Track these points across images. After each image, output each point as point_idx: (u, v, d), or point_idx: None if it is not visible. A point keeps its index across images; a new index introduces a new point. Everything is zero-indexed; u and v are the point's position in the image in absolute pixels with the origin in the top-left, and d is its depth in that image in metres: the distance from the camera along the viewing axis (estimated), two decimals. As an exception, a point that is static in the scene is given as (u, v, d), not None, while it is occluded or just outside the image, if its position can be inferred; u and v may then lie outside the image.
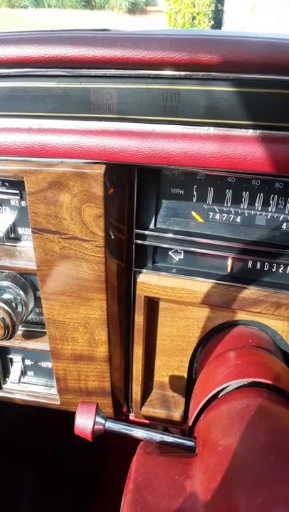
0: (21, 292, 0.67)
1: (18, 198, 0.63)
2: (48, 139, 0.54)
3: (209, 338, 0.67)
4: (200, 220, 0.62)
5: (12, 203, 0.63)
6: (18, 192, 0.62)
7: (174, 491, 0.39)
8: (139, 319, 0.67)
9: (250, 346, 0.60)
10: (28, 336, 0.72)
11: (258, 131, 0.50)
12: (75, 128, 0.54)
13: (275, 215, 0.59)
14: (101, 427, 0.49)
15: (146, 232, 0.63)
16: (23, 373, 0.78)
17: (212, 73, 0.49)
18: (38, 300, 0.69)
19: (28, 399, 0.77)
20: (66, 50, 0.50)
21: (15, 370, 0.78)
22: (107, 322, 0.64)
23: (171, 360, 0.71)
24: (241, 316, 0.65)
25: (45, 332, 0.68)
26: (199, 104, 0.50)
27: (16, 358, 0.77)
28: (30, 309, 0.69)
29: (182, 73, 0.49)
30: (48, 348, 0.69)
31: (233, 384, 0.52)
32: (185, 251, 0.64)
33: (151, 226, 0.63)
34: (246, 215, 0.60)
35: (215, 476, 0.38)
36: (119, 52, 0.49)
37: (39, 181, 0.55)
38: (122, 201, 0.61)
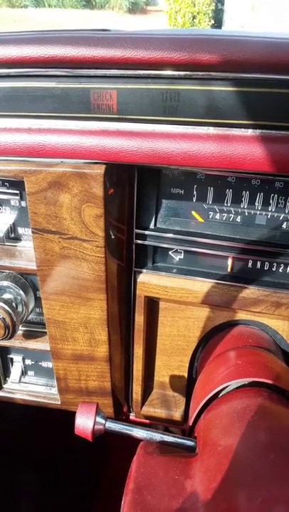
0: (21, 292, 0.67)
1: (18, 198, 0.63)
2: (47, 139, 0.54)
3: (209, 338, 0.67)
4: (200, 219, 0.62)
5: (12, 203, 0.64)
6: (18, 192, 0.62)
7: (174, 490, 0.39)
8: (140, 319, 0.67)
9: (250, 346, 0.60)
10: (28, 335, 0.72)
11: (258, 131, 0.50)
12: (75, 128, 0.54)
13: (275, 215, 0.59)
14: (101, 427, 0.49)
15: (147, 232, 0.63)
16: (24, 373, 0.78)
17: (212, 73, 0.49)
18: (38, 300, 0.69)
19: (29, 399, 0.77)
20: (66, 50, 0.50)
21: (15, 369, 0.78)
22: (108, 322, 0.64)
23: (172, 360, 0.71)
24: (241, 315, 0.65)
25: (46, 332, 0.68)
26: (199, 104, 0.50)
27: (17, 358, 0.77)
28: (30, 309, 0.69)
29: (182, 73, 0.49)
30: (49, 348, 0.69)
31: (234, 384, 0.52)
32: (185, 251, 0.64)
33: (152, 226, 0.63)
34: (246, 214, 0.60)
35: (215, 476, 0.38)
36: (119, 52, 0.49)
37: (39, 181, 0.55)
38: (122, 201, 0.61)
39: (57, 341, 0.67)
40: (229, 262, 0.63)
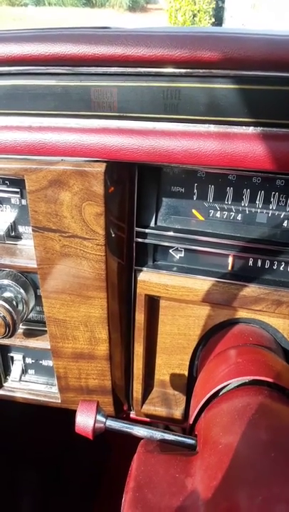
0: (22, 290, 0.67)
1: (18, 196, 0.63)
2: (48, 137, 0.54)
3: (210, 337, 0.67)
4: (201, 218, 0.62)
5: (13, 201, 0.63)
6: (18, 190, 0.62)
7: (174, 489, 0.39)
8: (140, 317, 0.67)
9: (251, 344, 0.60)
10: (28, 334, 0.72)
11: (259, 129, 0.50)
12: (76, 126, 0.54)
13: (276, 213, 0.59)
14: (102, 425, 0.49)
15: (147, 231, 0.63)
16: (24, 371, 0.78)
17: (213, 70, 0.48)
18: (38, 298, 0.69)
19: (29, 397, 0.77)
20: (66, 48, 0.50)
21: (16, 368, 0.78)
22: (108, 320, 0.64)
23: (172, 359, 0.71)
24: (242, 314, 0.65)
25: (46, 330, 0.68)
26: (200, 102, 0.50)
27: (17, 357, 0.77)
28: (30, 308, 0.69)
29: (183, 70, 0.49)
30: (49, 347, 0.69)
31: (234, 382, 0.51)
32: (186, 249, 0.64)
33: (152, 224, 0.63)
34: (247, 212, 0.60)
35: (216, 474, 0.38)
36: (120, 49, 0.49)
37: (39, 179, 0.55)
38: (123, 199, 0.61)
39: (57, 340, 0.67)
40: (230, 260, 0.63)
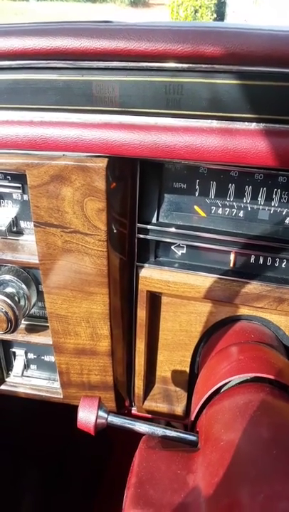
0: (24, 286, 0.67)
1: (20, 191, 0.62)
2: (49, 131, 0.54)
3: (211, 333, 0.67)
4: (202, 214, 0.62)
5: (14, 196, 0.63)
6: (20, 185, 0.62)
7: (176, 485, 0.39)
8: (142, 314, 0.67)
9: (252, 341, 0.60)
10: (30, 329, 0.72)
11: (262, 125, 0.50)
12: (77, 121, 0.54)
13: (278, 210, 0.59)
14: (103, 421, 0.49)
15: (149, 227, 0.63)
16: (26, 367, 0.78)
17: (215, 65, 0.48)
18: (40, 294, 0.69)
19: (31, 392, 0.78)
20: (68, 42, 0.50)
21: (18, 363, 0.78)
22: (110, 316, 0.64)
23: (174, 355, 0.71)
24: (244, 311, 0.65)
25: (48, 326, 0.68)
26: (202, 97, 0.50)
27: (19, 352, 0.77)
28: (32, 303, 0.69)
29: (185, 65, 0.49)
30: (51, 342, 0.69)
31: (236, 379, 0.51)
32: (187, 245, 0.64)
33: (154, 220, 0.63)
34: (249, 209, 0.60)
35: (217, 471, 0.38)
36: (122, 44, 0.49)
37: (41, 175, 0.55)
38: (125, 195, 0.61)
39: (59, 335, 0.67)
40: (232, 257, 0.63)
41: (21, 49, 0.51)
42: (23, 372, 0.78)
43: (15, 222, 0.65)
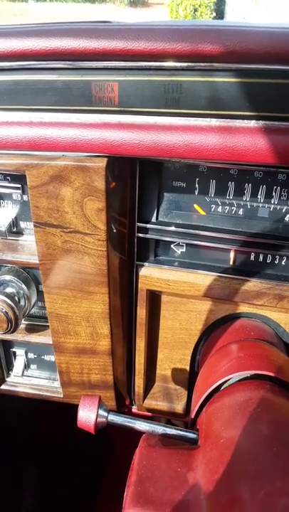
0: (24, 286, 0.67)
1: (20, 191, 0.63)
2: (49, 132, 0.54)
3: (211, 331, 0.67)
4: (202, 212, 0.62)
5: (14, 196, 0.63)
6: (19, 186, 0.62)
7: (176, 483, 0.39)
8: (142, 312, 0.67)
9: (252, 339, 0.60)
10: (31, 329, 0.72)
11: (261, 122, 0.50)
12: (77, 121, 0.54)
13: (278, 207, 0.59)
14: (104, 419, 0.49)
15: (148, 226, 0.63)
16: (26, 366, 0.79)
17: (214, 64, 0.48)
18: (40, 294, 0.69)
19: (31, 392, 0.78)
20: (67, 42, 0.50)
21: (18, 363, 0.78)
22: (109, 316, 0.64)
23: (174, 353, 0.71)
24: (244, 308, 0.65)
25: (48, 326, 0.68)
26: (201, 96, 0.50)
27: (19, 352, 0.77)
28: (32, 303, 0.69)
29: (184, 64, 0.49)
30: (51, 342, 0.69)
31: (236, 376, 0.52)
32: (187, 244, 0.64)
33: (153, 219, 0.63)
34: (249, 207, 0.60)
35: (217, 469, 0.38)
36: (120, 43, 0.49)
37: (41, 175, 0.55)
38: (124, 194, 0.61)
39: (59, 335, 0.67)
40: (231, 254, 0.63)
41: (21, 50, 0.51)
42: (23, 372, 0.78)
43: (15, 222, 0.65)
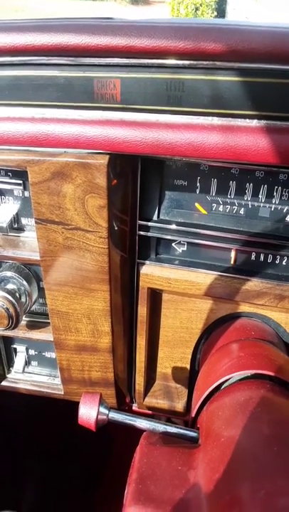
0: (25, 283, 0.67)
1: (21, 188, 0.62)
2: (51, 128, 0.54)
3: (212, 330, 0.67)
4: (203, 211, 0.62)
5: (15, 193, 0.63)
6: (21, 182, 0.62)
7: (177, 481, 0.39)
8: (143, 311, 0.67)
9: (253, 338, 0.60)
10: (32, 326, 0.72)
11: (263, 122, 0.50)
12: (78, 117, 0.54)
13: (279, 207, 0.59)
14: (104, 417, 0.49)
15: (150, 224, 0.63)
16: (27, 363, 0.79)
17: (216, 62, 0.48)
18: (41, 290, 0.69)
19: (32, 388, 0.78)
20: (69, 38, 0.50)
21: (19, 360, 0.78)
22: (110, 313, 0.64)
23: (174, 352, 0.71)
24: (244, 308, 0.65)
25: (49, 322, 0.68)
26: (203, 94, 0.50)
27: (20, 348, 0.77)
28: (33, 300, 0.69)
29: (186, 62, 0.49)
30: (52, 339, 0.69)
31: (236, 376, 0.52)
32: (188, 243, 0.64)
33: (155, 217, 0.63)
34: (250, 206, 0.60)
35: (218, 467, 0.38)
36: (123, 40, 0.48)
37: (42, 171, 0.55)
38: (126, 192, 0.61)
39: (60, 332, 0.67)
40: (232, 254, 0.63)
41: (22, 45, 0.51)
42: (24, 369, 0.78)
43: (16, 218, 0.65)
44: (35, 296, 0.69)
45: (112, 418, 0.49)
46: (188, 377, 0.72)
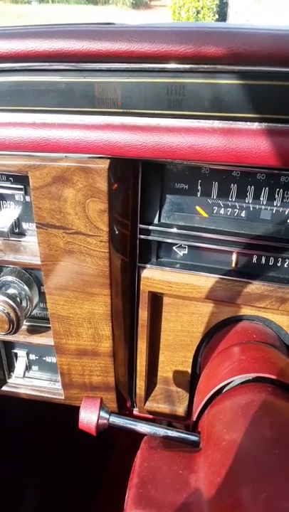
0: (26, 287, 0.67)
1: (22, 192, 0.63)
2: (52, 133, 0.54)
3: (213, 334, 0.67)
4: (204, 214, 0.62)
5: (16, 197, 0.63)
6: (22, 187, 0.62)
7: (178, 485, 0.39)
8: (143, 314, 0.67)
9: (254, 341, 0.60)
10: (32, 330, 0.72)
11: (264, 124, 0.50)
12: (80, 122, 0.54)
13: (281, 210, 0.59)
14: (105, 421, 0.49)
15: (151, 227, 0.63)
16: (28, 368, 0.78)
17: (217, 66, 0.48)
18: (42, 295, 0.69)
19: (33, 393, 0.78)
20: (70, 44, 0.50)
21: (20, 364, 0.78)
22: (111, 317, 0.64)
23: (175, 356, 0.71)
24: (246, 311, 0.65)
25: (50, 327, 0.68)
26: (204, 98, 0.50)
27: (21, 353, 0.77)
28: (34, 304, 0.69)
29: (187, 66, 0.49)
30: (53, 343, 0.69)
31: (238, 379, 0.51)
32: (189, 246, 0.64)
33: (156, 221, 0.63)
34: (251, 209, 0.60)
35: (219, 471, 0.38)
36: (124, 45, 0.49)
37: (43, 176, 0.55)
38: (126, 196, 0.61)
39: (61, 336, 0.67)
40: (234, 257, 0.63)
41: (23, 51, 0.51)
42: (24, 373, 0.78)
43: (17, 223, 0.65)
44: (36, 300, 0.69)
45: (113, 422, 0.49)
46: (190, 381, 0.72)
